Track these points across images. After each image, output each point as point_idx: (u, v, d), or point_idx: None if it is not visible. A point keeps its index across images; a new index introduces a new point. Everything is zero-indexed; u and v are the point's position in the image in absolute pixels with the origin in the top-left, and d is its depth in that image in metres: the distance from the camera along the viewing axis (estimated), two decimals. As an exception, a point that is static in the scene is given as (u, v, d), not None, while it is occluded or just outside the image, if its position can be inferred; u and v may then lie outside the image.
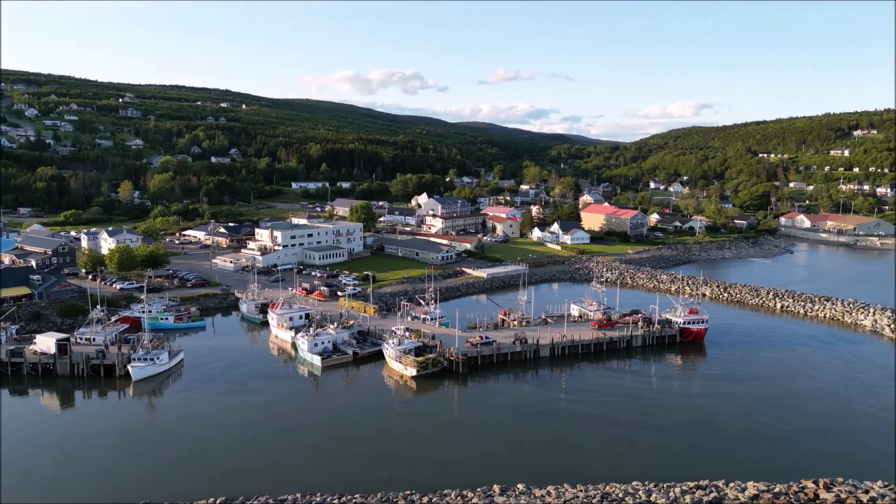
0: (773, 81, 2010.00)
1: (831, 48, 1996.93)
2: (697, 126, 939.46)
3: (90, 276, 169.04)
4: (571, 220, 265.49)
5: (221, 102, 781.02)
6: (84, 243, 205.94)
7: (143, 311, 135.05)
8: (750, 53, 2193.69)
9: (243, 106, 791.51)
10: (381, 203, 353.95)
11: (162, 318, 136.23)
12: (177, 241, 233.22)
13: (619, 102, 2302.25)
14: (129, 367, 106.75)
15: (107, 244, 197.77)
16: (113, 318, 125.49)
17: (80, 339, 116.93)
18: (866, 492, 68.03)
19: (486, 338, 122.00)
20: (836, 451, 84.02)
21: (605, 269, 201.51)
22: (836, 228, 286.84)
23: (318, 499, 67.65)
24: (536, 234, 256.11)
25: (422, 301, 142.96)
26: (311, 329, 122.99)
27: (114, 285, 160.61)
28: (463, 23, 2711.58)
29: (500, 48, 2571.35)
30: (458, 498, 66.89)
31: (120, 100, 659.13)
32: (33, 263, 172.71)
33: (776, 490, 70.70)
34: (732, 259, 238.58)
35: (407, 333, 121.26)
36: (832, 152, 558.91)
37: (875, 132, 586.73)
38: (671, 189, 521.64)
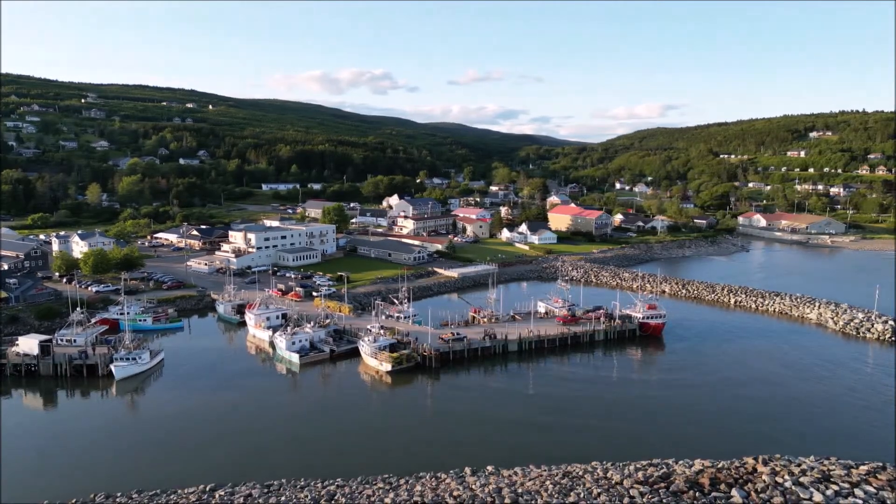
0: (735, 83, 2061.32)
1: (792, 50, 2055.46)
2: (662, 127, 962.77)
3: (64, 280, 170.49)
4: (539, 221, 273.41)
5: (187, 103, 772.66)
6: (55, 247, 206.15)
7: (122, 313, 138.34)
8: (714, 56, 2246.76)
9: (210, 106, 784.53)
10: (352, 204, 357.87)
11: (140, 320, 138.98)
12: (147, 244, 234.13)
13: (588, 103, 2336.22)
14: (111, 367, 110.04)
15: (79, 247, 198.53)
16: (93, 320, 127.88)
17: (62, 340, 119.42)
18: (798, 465, 75.65)
19: (457, 334, 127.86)
20: (776, 432, 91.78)
21: (570, 268, 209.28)
22: (790, 227, 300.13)
23: (302, 482, 72.78)
24: (506, 234, 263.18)
25: (395, 300, 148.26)
26: (289, 328, 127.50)
27: (89, 288, 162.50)
28: (433, 23, 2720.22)
29: (471, 49, 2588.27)
30: (432, 479, 72.65)
31: (83, 100, 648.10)
32: (6, 267, 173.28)
33: (720, 465, 78.05)
34: (693, 257, 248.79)
35: (382, 331, 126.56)
36: (789, 153, 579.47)
37: (830, 134, 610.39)
38: (636, 189, 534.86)
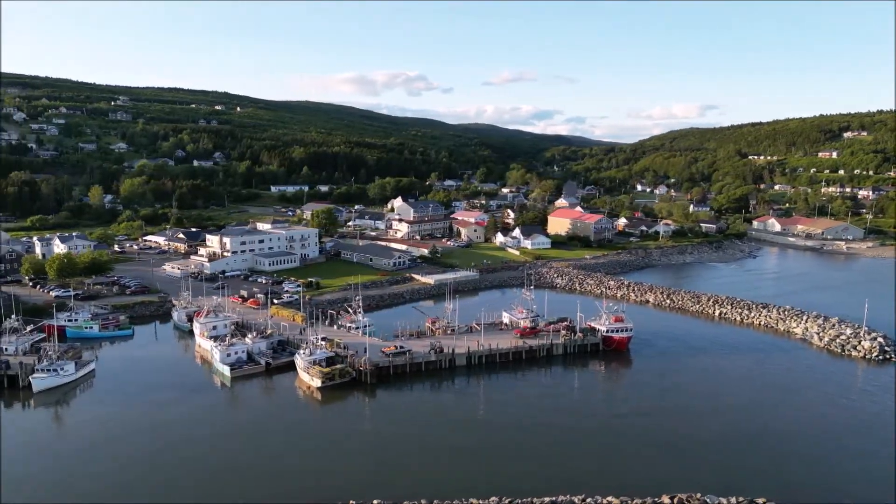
0: (776, 82, 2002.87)
1: (837, 48, 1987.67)
2: (696, 127, 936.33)
3: (31, 284, 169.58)
4: (534, 225, 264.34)
5: (217, 105, 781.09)
6: (38, 249, 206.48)
7: (69, 320, 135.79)
8: (756, 55, 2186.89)
9: (238, 108, 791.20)
10: (356, 207, 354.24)
11: (87, 327, 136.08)
12: (135, 247, 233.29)
13: (623, 104, 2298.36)
14: (30, 379, 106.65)
15: (59, 250, 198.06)
16: (29, 328, 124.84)
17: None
18: (713, 509, 67.59)
19: (401, 347, 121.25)
20: (716, 466, 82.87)
21: (555, 275, 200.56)
22: (805, 232, 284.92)
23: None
24: (500, 238, 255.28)
25: (349, 309, 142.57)
26: (227, 339, 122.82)
27: (51, 293, 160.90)
28: (467, 24, 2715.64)
29: (505, 50, 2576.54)
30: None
31: (112, 103, 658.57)
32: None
33: (630, 505, 70.40)
34: (693, 264, 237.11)
35: (322, 343, 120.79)
36: (820, 154, 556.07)
37: (865, 134, 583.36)
38: (657, 192, 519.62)
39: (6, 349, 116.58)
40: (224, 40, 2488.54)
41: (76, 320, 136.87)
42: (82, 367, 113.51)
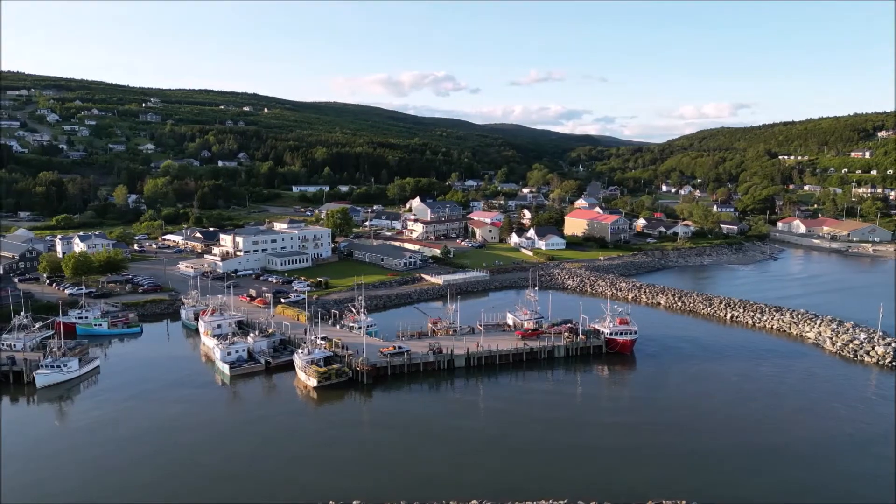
0: (812, 81, 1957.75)
1: (874, 47, 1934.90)
2: (726, 127, 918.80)
3: (48, 282, 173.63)
4: (550, 226, 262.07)
5: (245, 106, 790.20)
6: (58, 248, 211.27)
7: (79, 317, 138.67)
8: (791, 53, 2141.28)
9: (265, 109, 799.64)
10: (374, 207, 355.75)
11: (96, 324, 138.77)
12: (154, 246, 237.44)
13: (653, 103, 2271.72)
14: (34, 374, 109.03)
15: (79, 249, 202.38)
16: (38, 325, 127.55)
17: (2, 345, 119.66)
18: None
19: (399, 347, 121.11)
20: (710, 472, 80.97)
21: (567, 276, 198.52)
22: (831, 234, 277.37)
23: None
24: (514, 239, 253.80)
25: (353, 309, 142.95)
26: (228, 337, 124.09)
27: (65, 290, 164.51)
28: (495, 24, 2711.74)
29: (533, 50, 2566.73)
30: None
31: (143, 104, 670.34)
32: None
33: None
34: (711, 266, 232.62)
35: (321, 342, 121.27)
36: (853, 154, 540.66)
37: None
38: (681, 192, 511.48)
39: (14, 345, 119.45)
40: (255, 42, 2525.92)
41: (86, 318, 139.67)
42: (86, 363, 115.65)
